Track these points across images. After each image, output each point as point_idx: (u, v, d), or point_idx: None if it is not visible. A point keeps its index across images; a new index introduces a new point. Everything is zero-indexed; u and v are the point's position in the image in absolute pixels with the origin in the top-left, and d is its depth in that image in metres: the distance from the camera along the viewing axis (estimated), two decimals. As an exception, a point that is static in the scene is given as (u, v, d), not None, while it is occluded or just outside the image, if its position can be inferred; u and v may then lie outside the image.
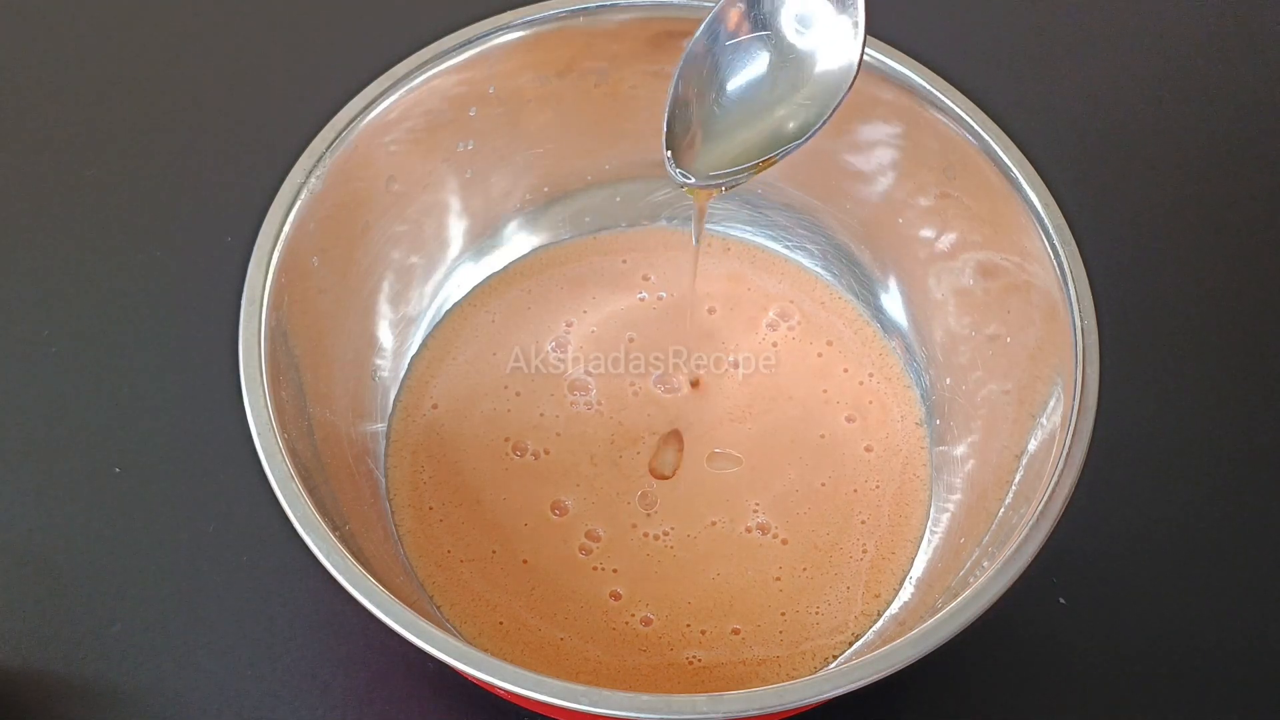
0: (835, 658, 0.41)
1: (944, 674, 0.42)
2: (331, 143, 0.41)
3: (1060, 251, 0.39)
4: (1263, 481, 0.47)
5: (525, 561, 0.42)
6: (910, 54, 0.43)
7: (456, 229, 0.48)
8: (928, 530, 0.43)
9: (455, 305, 0.48)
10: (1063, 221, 0.39)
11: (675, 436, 0.45)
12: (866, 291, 0.48)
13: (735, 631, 0.41)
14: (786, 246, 0.49)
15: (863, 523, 0.43)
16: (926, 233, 0.45)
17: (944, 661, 0.34)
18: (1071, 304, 0.38)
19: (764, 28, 0.35)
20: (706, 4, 0.43)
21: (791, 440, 0.45)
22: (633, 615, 0.41)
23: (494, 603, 0.41)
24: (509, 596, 0.42)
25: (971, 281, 0.44)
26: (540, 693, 0.31)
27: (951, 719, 0.42)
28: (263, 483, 0.35)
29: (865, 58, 0.41)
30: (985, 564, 0.35)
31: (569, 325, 0.48)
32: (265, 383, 0.36)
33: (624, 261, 0.49)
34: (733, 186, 0.37)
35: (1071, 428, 0.36)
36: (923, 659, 0.32)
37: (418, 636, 0.32)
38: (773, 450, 0.45)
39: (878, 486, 0.44)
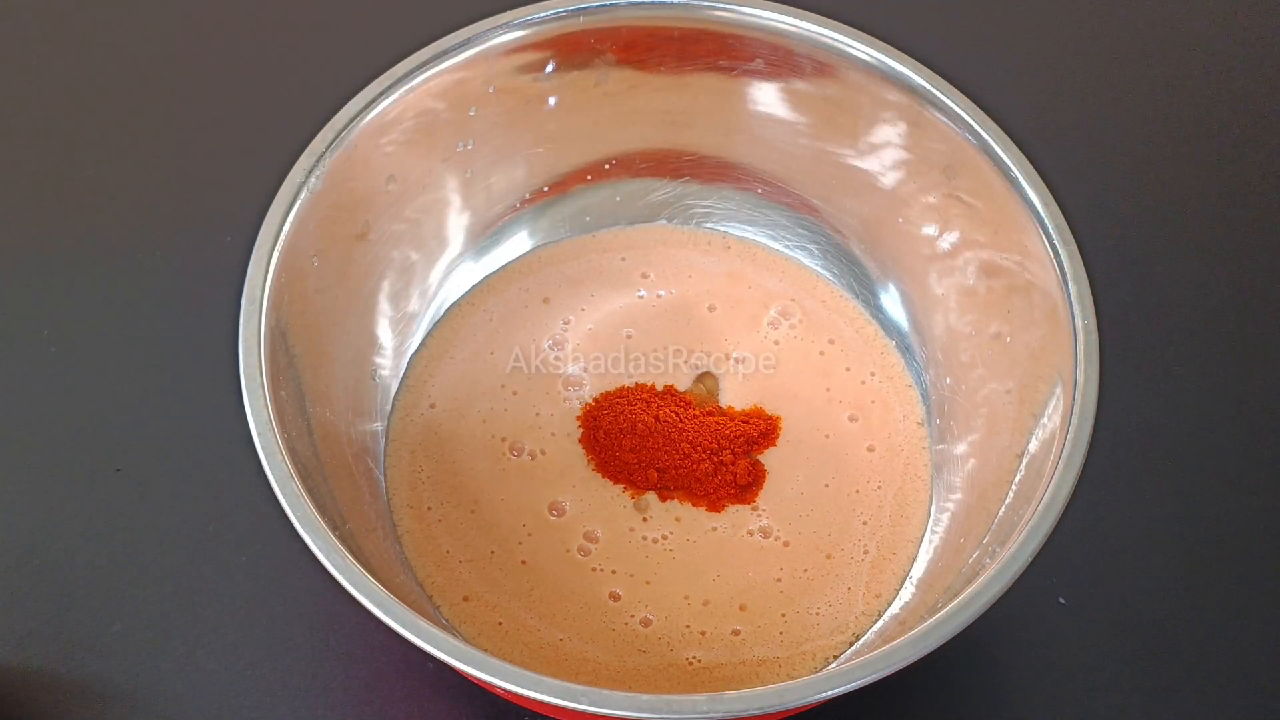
0: (836, 658, 0.41)
1: (945, 674, 0.42)
2: (331, 142, 0.41)
3: (1060, 251, 0.39)
4: (1263, 481, 0.46)
5: (524, 562, 0.42)
6: (910, 54, 0.43)
7: (456, 228, 0.48)
8: (928, 530, 0.43)
9: (455, 303, 0.48)
10: (1063, 221, 0.39)
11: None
12: (867, 291, 0.48)
13: (735, 632, 0.41)
14: (787, 245, 0.49)
15: (864, 523, 0.43)
16: (928, 232, 0.45)
17: (945, 661, 0.34)
18: (1071, 304, 0.38)
19: None
20: (706, 5, 0.44)
21: (797, 442, 0.45)
22: (632, 616, 0.41)
23: (493, 603, 0.41)
24: (508, 597, 0.42)
25: (973, 281, 0.44)
26: (540, 693, 0.31)
27: (952, 719, 0.42)
28: (263, 483, 0.35)
29: (868, 58, 0.43)
30: (985, 564, 0.35)
31: (566, 323, 0.48)
32: (265, 383, 0.36)
33: (623, 259, 0.49)
34: None
35: (1071, 427, 0.36)
36: (923, 659, 0.32)
37: (418, 636, 0.32)
38: (779, 453, 0.45)
39: (879, 487, 0.44)
